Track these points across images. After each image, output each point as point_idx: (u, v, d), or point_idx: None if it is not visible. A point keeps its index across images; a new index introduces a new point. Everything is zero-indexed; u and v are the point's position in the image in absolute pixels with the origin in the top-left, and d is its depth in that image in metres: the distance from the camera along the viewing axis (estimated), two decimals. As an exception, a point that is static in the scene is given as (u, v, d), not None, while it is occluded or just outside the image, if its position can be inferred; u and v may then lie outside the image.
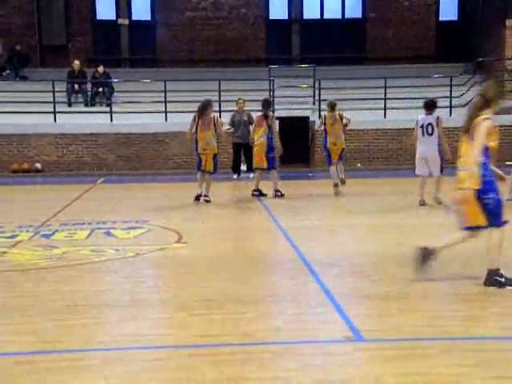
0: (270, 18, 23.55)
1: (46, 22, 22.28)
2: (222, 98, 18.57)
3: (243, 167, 16.77)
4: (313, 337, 4.67)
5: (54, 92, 18.58)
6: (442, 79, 19.94)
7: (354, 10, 23.57)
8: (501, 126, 18.72)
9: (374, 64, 22.27)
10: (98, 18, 23.32)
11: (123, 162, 18.84)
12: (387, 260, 7.00)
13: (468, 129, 5.78)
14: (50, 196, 13.66)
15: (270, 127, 12.28)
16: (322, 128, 13.72)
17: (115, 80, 20.32)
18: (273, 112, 12.46)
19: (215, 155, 11.90)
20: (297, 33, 23.32)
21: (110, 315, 5.28)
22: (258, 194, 12.48)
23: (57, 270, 6.78)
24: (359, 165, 18.80)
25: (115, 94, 20.15)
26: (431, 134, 10.89)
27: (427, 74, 20.50)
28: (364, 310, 5.31)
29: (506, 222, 5.78)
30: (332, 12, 23.43)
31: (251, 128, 13.40)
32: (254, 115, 13.70)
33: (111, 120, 18.86)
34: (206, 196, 11.75)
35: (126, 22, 22.91)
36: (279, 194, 12.31)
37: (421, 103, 18.52)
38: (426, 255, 6.01)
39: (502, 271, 5.77)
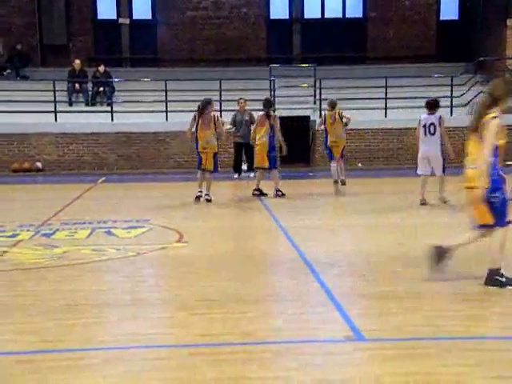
0: (271, 17, 23.54)
1: (47, 22, 22.27)
2: (222, 98, 18.57)
3: (244, 167, 16.78)
4: (313, 336, 4.67)
5: (54, 91, 18.58)
6: (442, 79, 19.93)
7: (355, 10, 23.56)
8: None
9: (374, 63, 22.26)
10: (99, 17, 23.31)
11: (124, 162, 18.84)
12: (388, 260, 7.00)
13: (476, 127, 5.76)
14: (51, 195, 13.67)
15: (272, 127, 12.26)
16: (323, 127, 13.77)
17: (116, 79, 20.32)
18: (274, 111, 12.45)
19: (215, 154, 11.91)
20: (298, 32, 23.31)
21: (110, 314, 5.28)
22: (259, 193, 12.48)
23: (57, 269, 6.78)
24: (360, 164, 18.80)
25: (116, 93, 20.14)
26: (433, 134, 10.88)
27: (428, 74, 20.50)
28: (364, 310, 5.32)
29: (510, 222, 5.78)
30: (333, 11, 23.41)
31: (252, 128, 13.38)
32: (256, 115, 13.70)
33: (112, 119, 18.86)
34: (206, 195, 11.76)
35: (127, 21, 22.89)
36: (280, 193, 12.31)
37: (421, 103, 18.53)
38: (440, 254, 5.99)
39: (502, 271, 5.77)
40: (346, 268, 6.72)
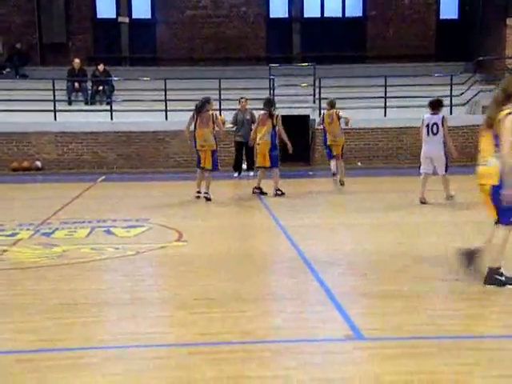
0: (271, 16, 23.53)
1: (46, 21, 22.26)
2: (222, 97, 18.57)
3: (244, 166, 16.78)
4: (313, 335, 4.67)
5: (54, 90, 18.56)
6: (442, 78, 19.95)
7: (355, 9, 23.56)
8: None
9: (374, 62, 22.27)
10: (99, 16, 23.31)
11: (123, 161, 18.83)
12: (387, 258, 7.01)
13: (491, 124, 5.74)
14: (51, 194, 13.66)
15: (274, 126, 12.23)
16: (321, 126, 13.87)
17: (115, 78, 20.31)
18: (274, 111, 12.43)
19: (214, 151, 11.90)
20: (297, 31, 23.30)
21: (110, 313, 5.28)
22: (259, 192, 12.48)
23: (57, 268, 6.78)
24: (359, 163, 18.80)
25: (115, 92, 20.14)
26: (436, 134, 10.91)
27: (427, 73, 20.52)
28: (364, 309, 5.32)
29: None
30: (332, 10, 23.40)
31: (253, 127, 13.35)
32: (257, 114, 13.69)
33: (111, 118, 18.86)
34: (206, 193, 11.76)
35: (127, 20, 22.88)
36: (279, 192, 12.31)
37: (421, 102, 18.65)
38: (470, 256, 5.96)
39: (502, 270, 5.77)
40: (345, 267, 6.72)
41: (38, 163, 18.54)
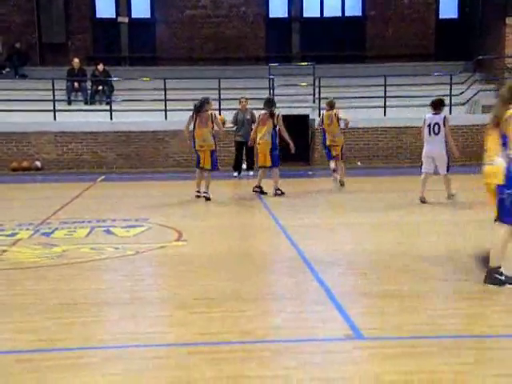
0: (270, 16, 23.53)
1: (46, 20, 22.26)
2: (221, 96, 18.57)
3: (243, 165, 16.78)
4: (312, 335, 4.67)
5: (53, 90, 18.56)
6: (441, 77, 19.96)
7: (354, 8, 23.56)
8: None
9: (373, 62, 22.28)
10: (98, 16, 23.30)
11: (123, 160, 18.83)
12: (387, 258, 7.00)
13: (498, 123, 5.72)
14: (50, 194, 13.66)
15: (275, 126, 12.20)
16: (321, 127, 13.92)
17: (115, 78, 20.31)
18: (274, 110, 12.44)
19: (213, 152, 11.89)
20: (297, 31, 23.30)
21: (109, 313, 5.28)
22: (259, 191, 12.47)
23: (56, 268, 6.78)
24: (359, 163, 18.80)
25: (115, 92, 20.14)
26: (438, 134, 10.93)
27: (427, 72, 20.53)
28: (364, 308, 5.32)
29: None
30: (332, 10, 23.41)
31: (253, 127, 13.31)
32: (257, 114, 13.68)
33: (111, 118, 18.85)
34: (205, 193, 11.76)
35: (126, 20, 22.89)
36: (279, 192, 12.30)
37: (420, 101, 18.69)
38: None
39: (502, 269, 5.76)
40: (345, 266, 6.72)
41: (38, 163, 18.54)
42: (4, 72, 21.33)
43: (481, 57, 20.53)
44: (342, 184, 13.55)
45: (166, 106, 18.67)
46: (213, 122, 11.79)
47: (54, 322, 4.94)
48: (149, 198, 12.47)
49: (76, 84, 20.15)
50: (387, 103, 19.13)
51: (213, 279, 6.20)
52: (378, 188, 13.78)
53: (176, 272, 6.61)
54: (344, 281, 6.21)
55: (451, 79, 19.18)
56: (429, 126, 11.01)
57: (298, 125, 18.46)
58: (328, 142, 13.75)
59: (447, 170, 11.07)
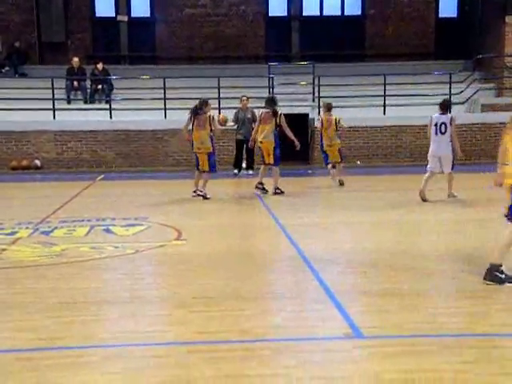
0: (270, 14, 23.53)
1: (45, 19, 22.24)
2: (221, 95, 18.56)
3: (243, 164, 16.78)
4: (312, 334, 4.67)
5: (53, 89, 18.56)
6: (441, 76, 19.97)
7: (354, 7, 23.56)
8: (500, 124, 18.81)
9: (373, 61, 22.27)
10: (97, 15, 23.29)
11: (122, 159, 18.82)
12: (387, 257, 7.00)
13: None
14: (50, 193, 13.66)
15: (277, 125, 12.14)
16: (319, 126, 13.94)
17: (114, 77, 20.30)
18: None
19: (210, 154, 11.85)
20: (296, 30, 23.30)
21: (109, 312, 5.28)
22: (262, 188, 12.44)
23: (56, 267, 6.77)
24: (358, 162, 18.79)
25: (114, 91, 20.13)
26: (444, 133, 11.00)
27: (426, 71, 20.54)
28: (363, 307, 5.32)
29: None
30: (331, 9, 23.41)
31: (255, 126, 13.23)
32: (257, 112, 13.66)
33: (110, 117, 18.84)
34: (200, 191, 11.77)
35: (125, 18, 22.87)
36: (279, 191, 12.29)
37: (420, 100, 18.72)
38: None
39: (503, 268, 5.75)
40: (344, 265, 6.71)
41: (37, 162, 18.53)
42: (3, 71, 21.32)
43: (480, 56, 20.55)
44: (341, 183, 13.56)
45: (165, 105, 18.66)
46: (211, 125, 11.77)
47: (54, 320, 4.94)
48: (148, 196, 12.47)
49: (75, 83, 20.13)
50: (387, 102, 19.13)
51: (212, 278, 6.20)
52: (378, 187, 13.77)
53: (175, 271, 6.61)
54: (344, 279, 6.21)
55: (451, 78, 19.19)
56: (435, 125, 11.07)
57: (297, 124, 18.46)
58: (325, 148, 13.81)
59: (452, 169, 11.11)
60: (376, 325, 4.78)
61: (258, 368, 4.01)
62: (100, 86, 20.15)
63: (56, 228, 9.00)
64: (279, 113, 12.20)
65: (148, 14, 23.32)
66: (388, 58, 21.88)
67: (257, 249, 7.72)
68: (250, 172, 16.23)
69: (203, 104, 11.83)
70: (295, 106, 19.11)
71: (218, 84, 18.66)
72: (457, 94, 19.18)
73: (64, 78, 19.94)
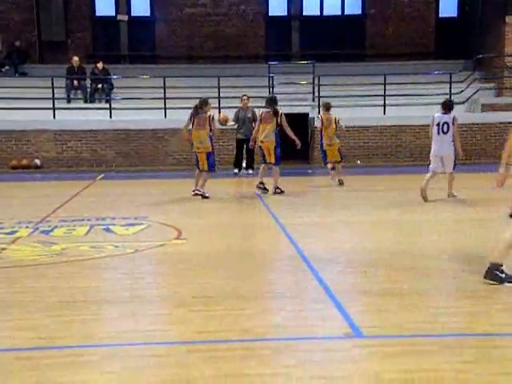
0: (270, 14, 23.54)
1: (45, 18, 22.25)
2: (221, 95, 18.56)
3: (243, 164, 16.78)
4: (312, 333, 4.66)
5: (53, 88, 18.56)
6: (441, 76, 19.97)
7: (354, 7, 23.57)
8: (500, 123, 18.83)
9: (373, 61, 22.28)
10: (98, 14, 23.31)
11: (122, 159, 18.82)
12: (387, 256, 7.00)
13: None
14: (50, 192, 13.65)
15: (278, 124, 12.13)
16: (319, 127, 13.95)
17: (114, 76, 20.30)
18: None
19: (209, 154, 11.85)
20: (296, 29, 23.30)
21: (109, 311, 5.28)
22: (263, 187, 12.44)
23: (56, 266, 6.77)
24: (358, 162, 18.79)
25: (114, 90, 20.13)
26: (446, 133, 11.01)
27: (427, 71, 20.54)
28: (363, 307, 5.31)
29: None
30: (332, 8, 23.41)
31: (255, 126, 13.20)
32: (258, 112, 13.65)
33: (110, 116, 18.84)
34: (197, 190, 11.77)
35: (126, 18, 22.88)
36: (279, 190, 12.29)
37: (420, 100, 18.73)
38: None
39: (504, 267, 5.74)
40: (344, 265, 6.71)
41: (37, 161, 18.53)
42: (3, 70, 21.32)
43: (480, 55, 20.55)
44: (341, 183, 13.56)
45: (165, 105, 18.66)
46: (210, 124, 11.77)
47: (54, 319, 4.93)
48: (148, 196, 12.47)
49: (75, 82, 20.13)
50: (387, 102, 19.13)
51: (212, 277, 6.20)
52: (378, 186, 13.77)
53: (175, 270, 6.60)
54: (343, 279, 6.21)
55: (451, 78, 19.19)
56: (438, 124, 11.06)
57: (297, 123, 18.46)
58: (325, 147, 13.83)
59: (453, 168, 11.12)
60: (376, 324, 4.78)
61: (257, 367, 4.01)
62: (100, 86, 20.16)
63: (56, 227, 9.00)
64: (280, 112, 12.18)
65: (148, 14, 23.33)
66: (388, 58, 21.89)
67: (257, 248, 7.72)
68: (250, 171, 16.23)
69: (203, 103, 11.83)
70: (295, 105, 19.11)
71: (218, 83, 18.66)
72: (457, 93, 19.17)
73: (64, 77, 19.94)
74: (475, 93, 19.64)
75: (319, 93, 18.99)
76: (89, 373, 3.95)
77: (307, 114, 19.38)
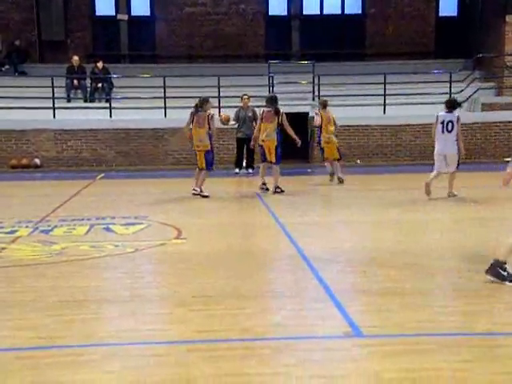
0: (270, 13, 23.53)
1: (45, 18, 22.24)
2: (221, 94, 18.56)
3: (243, 163, 16.77)
4: (312, 332, 4.67)
5: (53, 88, 18.55)
6: (441, 75, 19.96)
7: (354, 6, 23.56)
8: (500, 123, 18.83)
9: (373, 60, 22.26)
10: (98, 13, 23.30)
11: (122, 158, 18.81)
12: (387, 256, 7.00)
13: None
14: (49, 192, 13.65)
15: (280, 123, 12.12)
16: (318, 123, 13.96)
17: (114, 76, 20.29)
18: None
19: (207, 152, 11.85)
20: (296, 29, 23.29)
21: (109, 311, 5.28)
22: (266, 187, 12.46)
23: (56, 265, 6.77)
24: (358, 161, 18.79)
25: (114, 89, 20.13)
26: (451, 131, 11.02)
27: (427, 70, 20.54)
28: (363, 306, 5.32)
29: None
30: (332, 8, 23.41)
31: (256, 125, 13.19)
32: (258, 111, 13.65)
33: (110, 116, 18.84)
34: (194, 190, 11.77)
35: (126, 17, 22.87)
36: (279, 190, 12.29)
37: (420, 99, 18.72)
38: None
39: (507, 266, 5.73)
40: (344, 264, 6.71)
41: (37, 160, 18.52)
42: (3, 69, 21.32)
43: (480, 55, 20.54)
44: (341, 181, 13.56)
45: (165, 104, 18.66)
46: (209, 123, 11.77)
47: (54, 319, 4.94)
48: (148, 195, 12.47)
49: (75, 81, 20.12)
50: (387, 101, 19.12)
51: (212, 277, 6.20)
52: (378, 186, 13.76)
53: (175, 269, 6.61)
54: (343, 278, 6.21)
55: (451, 77, 19.18)
56: (442, 123, 11.06)
57: (297, 122, 18.45)
58: (323, 144, 13.85)
59: (457, 168, 11.13)
60: (375, 324, 4.78)
61: (257, 367, 4.01)
62: (100, 85, 20.15)
63: (56, 227, 9.00)
64: (281, 111, 12.18)
65: (148, 13, 23.33)
66: (388, 57, 21.88)
67: (257, 247, 7.72)
68: (250, 171, 16.23)
69: (203, 102, 11.84)
70: (295, 104, 19.09)
71: (218, 83, 18.65)
72: (457, 93, 19.12)
73: (64, 77, 19.92)
74: (475, 92, 19.63)
75: (319, 92, 18.98)
76: (89, 372, 3.96)
77: (307, 114, 19.36)
